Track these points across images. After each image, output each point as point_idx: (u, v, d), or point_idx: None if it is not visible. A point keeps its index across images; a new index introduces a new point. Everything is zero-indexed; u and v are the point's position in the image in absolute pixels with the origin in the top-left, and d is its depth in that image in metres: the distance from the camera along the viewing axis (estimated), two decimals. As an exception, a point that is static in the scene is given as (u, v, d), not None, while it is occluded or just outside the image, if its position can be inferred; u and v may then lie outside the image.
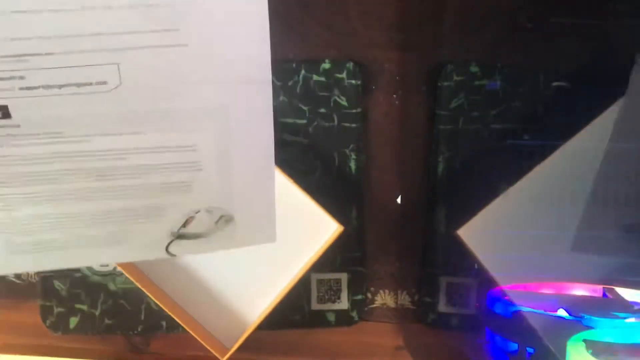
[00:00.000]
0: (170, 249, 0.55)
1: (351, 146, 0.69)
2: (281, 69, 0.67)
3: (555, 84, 0.66)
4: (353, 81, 0.68)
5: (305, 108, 0.68)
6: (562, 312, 0.59)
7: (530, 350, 0.56)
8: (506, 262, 0.64)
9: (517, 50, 0.66)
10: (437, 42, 0.67)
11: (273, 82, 0.49)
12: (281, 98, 0.68)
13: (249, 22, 0.47)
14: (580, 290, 0.63)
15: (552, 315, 0.58)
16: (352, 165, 0.69)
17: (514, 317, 0.58)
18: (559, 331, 0.55)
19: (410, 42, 0.68)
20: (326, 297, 0.71)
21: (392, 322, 0.72)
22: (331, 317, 0.71)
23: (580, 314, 0.57)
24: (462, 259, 0.66)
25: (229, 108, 0.49)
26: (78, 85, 0.46)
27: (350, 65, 0.67)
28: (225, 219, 0.54)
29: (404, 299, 0.73)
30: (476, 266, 0.65)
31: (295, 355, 0.59)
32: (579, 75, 0.65)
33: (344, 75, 0.67)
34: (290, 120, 0.68)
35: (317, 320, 0.72)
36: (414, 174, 0.71)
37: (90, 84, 0.46)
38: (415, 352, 0.65)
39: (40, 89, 0.46)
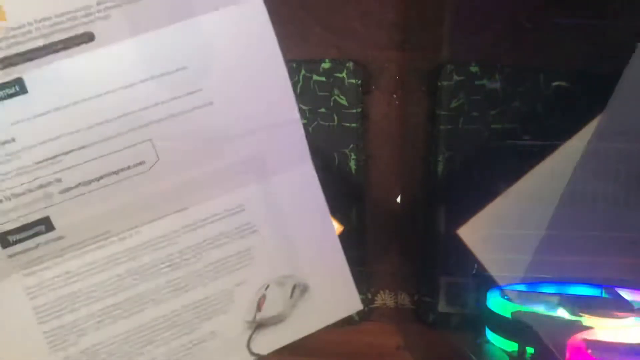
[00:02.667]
0: (253, 347, 0.48)
1: (351, 146, 0.69)
2: (281, 69, 0.67)
3: (555, 84, 0.66)
4: (353, 81, 0.68)
5: (305, 108, 0.68)
6: (562, 312, 0.59)
7: (530, 350, 0.56)
8: (506, 262, 0.64)
9: (517, 50, 0.66)
10: (437, 42, 0.67)
11: None
12: (281, 98, 0.68)
13: (266, 67, 0.46)
14: (580, 290, 0.63)
15: (552, 315, 0.58)
16: (352, 165, 0.69)
17: (514, 317, 0.58)
18: (559, 331, 0.55)
19: (410, 42, 0.68)
20: (326, 297, 0.71)
21: (392, 322, 0.72)
22: (331, 317, 0.71)
23: (580, 314, 0.57)
24: (462, 259, 0.66)
25: (265, 155, 0.47)
26: (117, 172, 0.45)
27: (350, 65, 0.67)
28: (300, 289, 0.49)
29: (404, 299, 0.73)
30: (476, 266, 0.65)
31: (296, 356, 0.59)
32: (579, 75, 0.65)
33: (344, 75, 0.67)
34: (290, 120, 0.68)
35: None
36: (414, 174, 0.71)
37: (129, 167, 0.45)
38: (415, 352, 0.65)
39: (80, 187, 0.44)
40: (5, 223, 0.43)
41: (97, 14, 0.42)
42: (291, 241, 0.49)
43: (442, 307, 0.70)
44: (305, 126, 0.69)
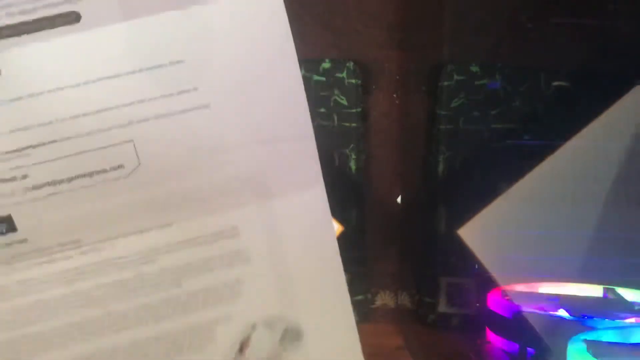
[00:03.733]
0: None
1: (351, 146, 0.69)
2: (281, 68, 0.67)
3: (555, 83, 0.66)
4: (353, 81, 0.67)
5: (305, 108, 0.68)
6: (562, 313, 0.59)
7: (530, 350, 0.56)
8: (506, 262, 0.64)
9: (518, 50, 0.66)
10: (437, 42, 0.67)
11: None
12: (281, 98, 0.67)
13: (278, 70, 0.41)
14: (580, 291, 0.63)
15: (552, 316, 0.58)
16: (352, 165, 0.69)
17: (515, 318, 0.58)
18: (559, 331, 0.55)
19: (410, 42, 0.68)
20: (326, 297, 0.71)
21: (392, 323, 0.72)
22: (331, 318, 0.71)
23: (581, 314, 0.57)
24: (462, 259, 0.66)
25: (268, 173, 0.40)
26: (91, 174, 0.39)
27: (350, 65, 0.67)
28: (291, 335, 0.41)
29: (404, 300, 0.73)
30: (476, 266, 0.65)
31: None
32: (579, 75, 0.65)
33: (344, 75, 0.67)
34: (290, 120, 0.68)
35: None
36: (414, 174, 0.71)
37: (105, 170, 0.39)
38: (415, 352, 0.65)
39: (48, 187, 0.38)
40: None
41: None
42: (288, 276, 0.42)
43: (442, 307, 0.70)
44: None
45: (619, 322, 0.56)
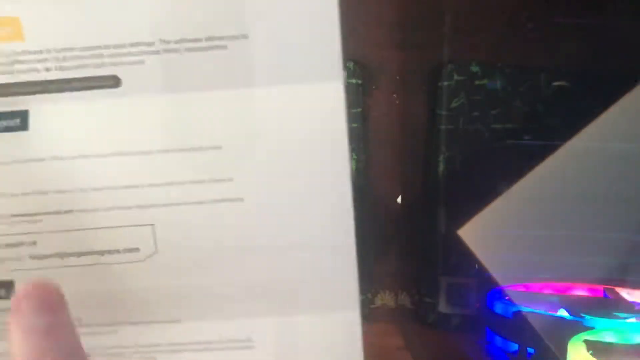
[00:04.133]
0: None
1: (351, 146, 0.69)
2: (281, 68, 0.67)
3: (555, 83, 0.66)
4: (353, 81, 0.67)
5: (305, 108, 0.68)
6: (562, 313, 0.59)
7: (530, 350, 0.56)
8: (506, 262, 0.64)
9: (518, 50, 0.66)
10: (437, 42, 0.67)
11: None
12: (281, 98, 0.67)
13: (327, 173, 0.36)
14: (580, 291, 0.63)
15: (552, 316, 0.58)
16: (352, 165, 0.69)
17: (515, 318, 0.58)
18: (559, 331, 0.55)
19: (410, 42, 0.68)
20: (326, 297, 0.71)
21: (392, 323, 0.72)
22: (331, 318, 0.71)
23: (581, 314, 0.57)
24: (462, 259, 0.66)
25: (296, 285, 0.36)
26: (101, 253, 0.35)
27: (350, 65, 0.67)
28: None
29: (404, 300, 0.73)
30: (476, 266, 0.65)
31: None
32: (579, 75, 0.65)
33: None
34: (290, 120, 0.68)
35: (317, 320, 0.71)
36: (414, 174, 0.71)
37: (117, 251, 0.35)
38: (415, 352, 0.65)
39: (55, 258, 0.35)
40: None
41: (129, 57, 0.34)
42: None
43: (442, 307, 0.70)
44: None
45: (619, 322, 0.56)
